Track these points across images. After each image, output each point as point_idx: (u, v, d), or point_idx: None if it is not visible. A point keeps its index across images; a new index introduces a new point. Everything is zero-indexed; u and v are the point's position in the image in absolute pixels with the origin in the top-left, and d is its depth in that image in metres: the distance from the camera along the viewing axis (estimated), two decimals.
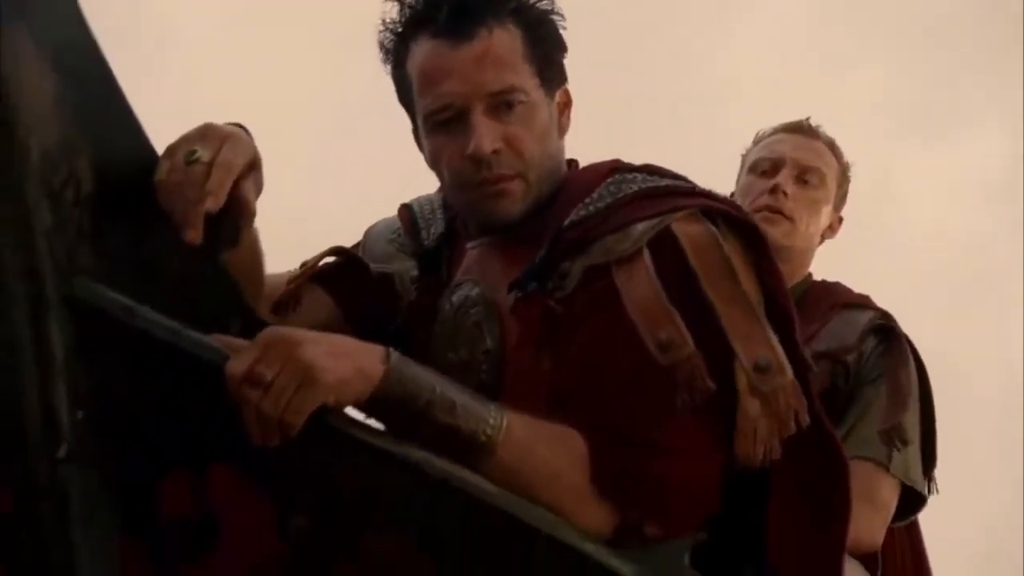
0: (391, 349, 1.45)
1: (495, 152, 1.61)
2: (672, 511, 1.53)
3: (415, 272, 1.79)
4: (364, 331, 1.66)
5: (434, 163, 1.68)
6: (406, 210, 1.86)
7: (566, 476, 1.50)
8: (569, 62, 1.75)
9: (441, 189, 1.76)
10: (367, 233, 1.90)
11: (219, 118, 1.52)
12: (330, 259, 1.84)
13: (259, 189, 1.47)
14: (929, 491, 2.31)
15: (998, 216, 4.42)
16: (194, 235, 1.37)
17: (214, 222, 1.44)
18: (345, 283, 1.82)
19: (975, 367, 4.24)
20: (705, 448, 1.54)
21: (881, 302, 2.40)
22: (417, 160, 1.77)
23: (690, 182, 1.69)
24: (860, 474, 2.14)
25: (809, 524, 1.62)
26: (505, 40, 1.63)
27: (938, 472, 2.33)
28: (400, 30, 1.66)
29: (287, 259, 1.87)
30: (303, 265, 1.83)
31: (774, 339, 1.57)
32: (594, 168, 1.71)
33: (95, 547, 1.30)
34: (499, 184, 1.63)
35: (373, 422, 1.47)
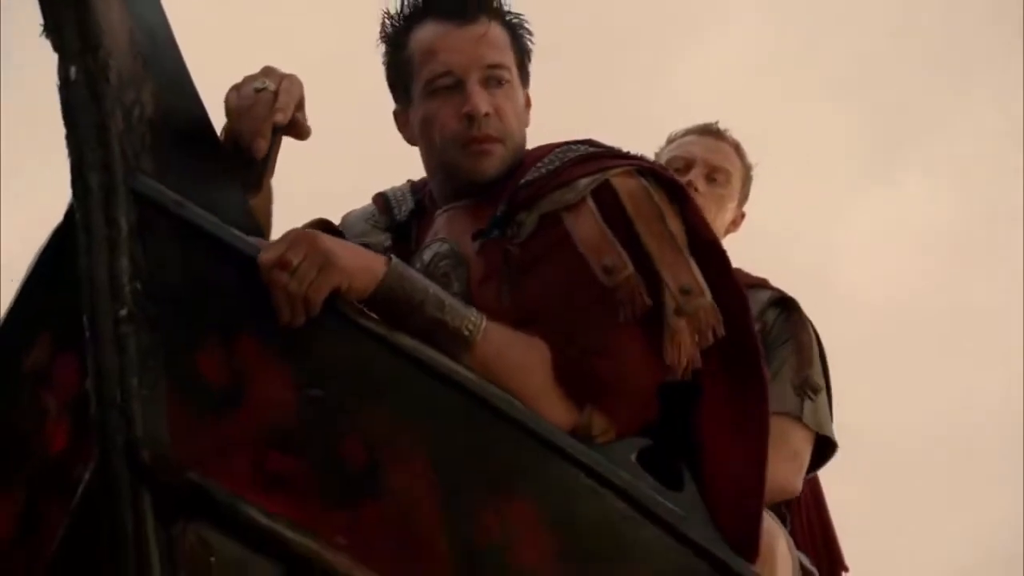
0: (392, 255, 1.77)
1: (486, 115, 1.96)
2: (618, 407, 1.84)
3: (388, 243, 2.11)
4: None
5: (424, 127, 2.01)
6: (380, 196, 2.20)
7: (534, 373, 1.82)
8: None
9: (425, 154, 2.07)
10: (344, 218, 2.22)
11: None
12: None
13: (305, 121, 1.80)
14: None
15: (936, 264, 4.71)
16: (263, 144, 1.70)
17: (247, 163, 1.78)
18: None
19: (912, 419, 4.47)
20: (641, 355, 1.86)
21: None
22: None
23: (624, 150, 2.02)
24: (774, 427, 2.40)
25: (734, 428, 1.92)
26: (498, 31, 2.01)
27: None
28: (407, 14, 2.01)
29: None
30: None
31: (696, 269, 1.90)
32: (542, 147, 2.05)
33: (146, 393, 1.59)
34: (485, 143, 1.97)
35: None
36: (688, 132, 2.77)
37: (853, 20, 4.88)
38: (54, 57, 1.58)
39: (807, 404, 2.50)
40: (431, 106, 1.99)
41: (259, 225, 1.82)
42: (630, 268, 1.84)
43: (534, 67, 2.09)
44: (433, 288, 1.77)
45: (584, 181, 1.91)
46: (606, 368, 1.84)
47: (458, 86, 1.97)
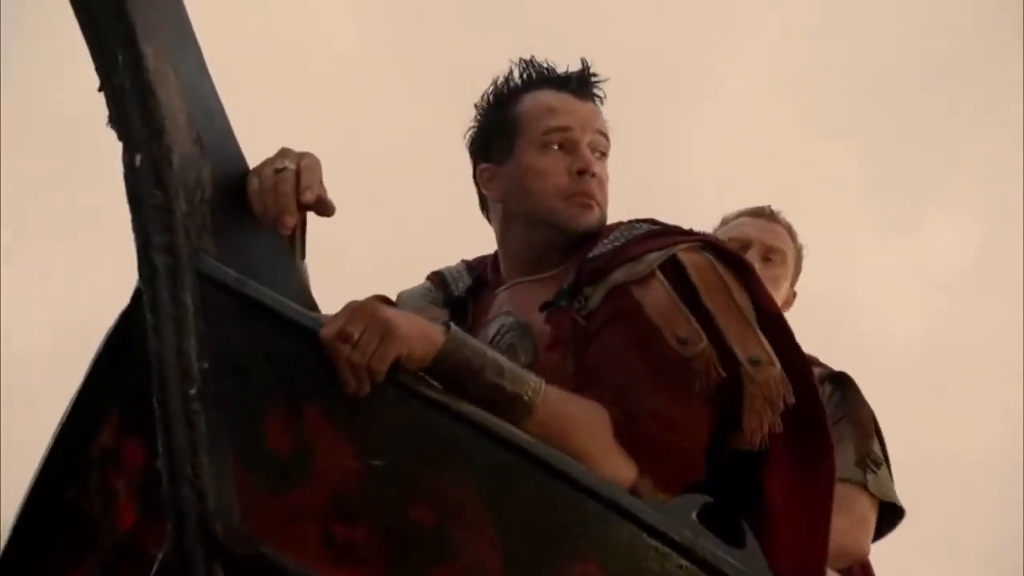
0: (450, 322, 1.80)
1: (593, 175, 2.05)
2: (668, 477, 1.89)
3: (446, 318, 2.13)
4: None
5: (527, 177, 2.06)
6: (435, 273, 2.26)
7: (594, 435, 1.86)
8: None
9: (515, 206, 2.09)
10: (399, 296, 2.26)
11: None
12: None
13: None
14: None
15: (960, 307, 4.71)
16: (290, 220, 1.73)
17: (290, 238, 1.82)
18: None
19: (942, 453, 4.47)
20: (702, 429, 1.91)
21: None
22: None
23: (688, 229, 2.10)
24: (841, 493, 2.43)
25: (798, 491, 1.96)
26: (602, 113, 2.13)
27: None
28: (524, 80, 2.11)
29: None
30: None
31: (763, 339, 1.95)
32: (608, 224, 2.12)
33: (216, 468, 1.62)
34: (591, 198, 2.06)
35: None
36: (741, 214, 2.87)
37: (862, 60, 4.92)
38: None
39: (870, 474, 2.57)
40: (542, 159, 2.06)
41: (314, 300, 1.86)
42: (704, 340, 1.90)
43: None
44: (492, 354, 1.81)
45: (652, 256, 1.97)
46: (665, 434, 1.87)
47: (571, 147, 2.06)
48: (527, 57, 2.12)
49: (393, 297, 2.25)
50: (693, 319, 1.92)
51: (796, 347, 2.00)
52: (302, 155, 1.81)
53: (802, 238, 2.89)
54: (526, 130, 2.08)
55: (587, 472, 1.81)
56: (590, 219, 2.06)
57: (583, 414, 1.85)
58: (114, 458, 1.75)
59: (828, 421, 2.01)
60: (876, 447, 2.62)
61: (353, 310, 1.70)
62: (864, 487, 2.56)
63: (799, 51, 5.06)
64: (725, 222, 2.89)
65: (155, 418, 1.63)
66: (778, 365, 1.93)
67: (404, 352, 1.70)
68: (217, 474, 1.62)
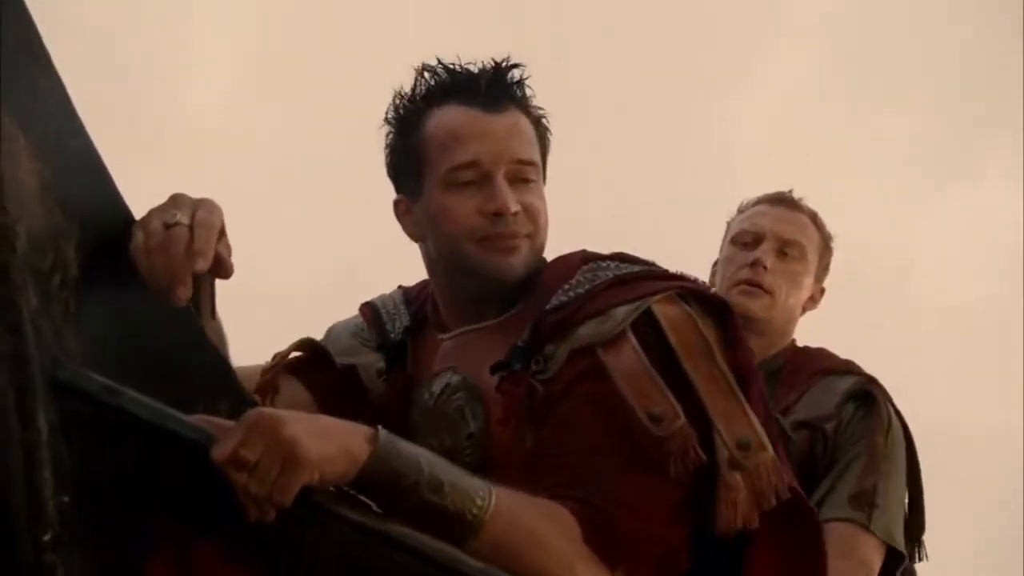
0: (380, 428, 1.47)
1: (515, 213, 1.70)
2: (649, 569, 1.59)
3: (381, 364, 1.84)
4: None
5: (438, 221, 1.73)
6: (368, 307, 1.93)
7: (553, 547, 1.54)
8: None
9: (434, 251, 1.77)
10: (328, 331, 1.95)
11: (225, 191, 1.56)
12: (298, 353, 1.88)
13: (229, 253, 1.49)
14: (918, 557, 2.32)
15: (1007, 279, 4.44)
16: (184, 292, 1.40)
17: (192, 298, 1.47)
18: (316, 374, 1.87)
19: (981, 432, 4.25)
20: (679, 514, 1.62)
21: (888, 366, 2.42)
22: None
23: (660, 267, 1.76)
24: (841, 534, 2.19)
25: (785, 571, 1.66)
26: (526, 124, 1.76)
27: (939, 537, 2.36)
28: (423, 96, 1.74)
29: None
30: (275, 356, 1.88)
31: (753, 416, 1.65)
32: (565, 259, 1.79)
33: None
34: (513, 240, 1.71)
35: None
36: (759, 201, 2.48)
37: (914, 17, 4.56)
38: None
39: (876, 511, 2.24)
40: (449, 199, 1.71)
41: (231, 371, 1.54)
42: (682, 418, 1.58)
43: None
44: (429, 466, 1.47)
45: (622, 310, 1.64)
46: (636, 524, 1.57)
47: (483, 180, 1.70)
48: (431, 63, 1.74)
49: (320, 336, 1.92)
50: (669, 392, 1.60)
51: (770, 417, 1.71)
52: (198, 203, 1.46)
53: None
54: (430, 163, 1.72)
55: None
56: (513, 265, 1.71)
57: (543, 524, 1.53)
58: None
59: (813, 508, 1.75)
60: (882, 484, 2.27)
61: (250, 425, 1.36)
62: (866, 528, 2.24)
63: (852, 9, 4.70)
64: (742, 209, 2.50)
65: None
66: (770, 449, 1.62)
67: (314, 478, 1.38)
68: None
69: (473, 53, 1.78)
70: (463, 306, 1.77)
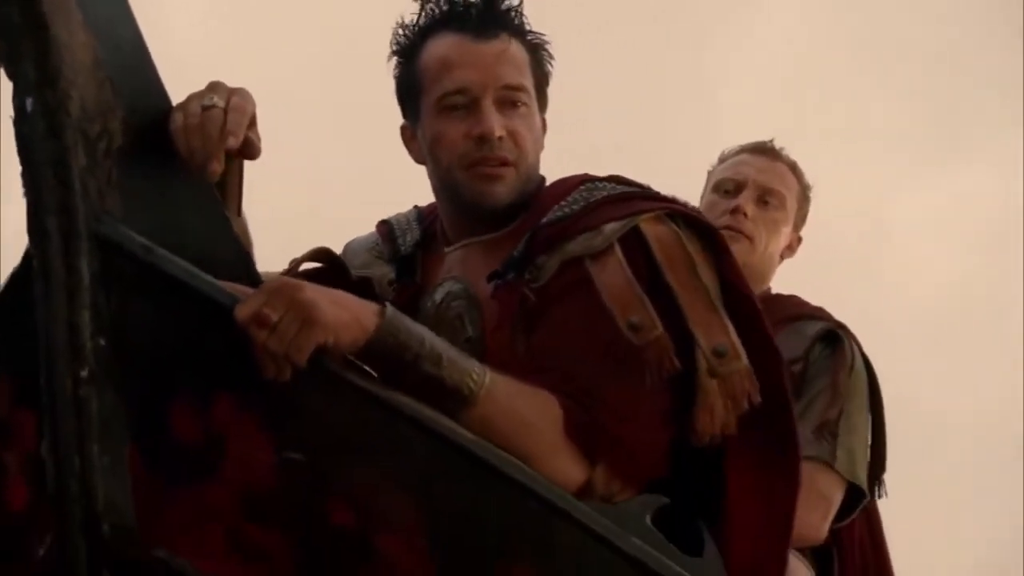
0: (387, 303, 1.60)
1: (499, 138, 1.80)
2: (624, 466, 1.70)
3: (392, 276, 1.96)
4: None
5: (432, 146, 1.85)
6: (383, 223, 2.05)
7: (540, 430, 1.66)
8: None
9: (433, 176, 1.92)
10: (346, 247, 2.07)
11: None
12: (313, 263, 1.99)
13: (258, 138, 1.60)
14: (878, 494, 2.45)
15: (991, 257, 4.53)
16: (217, 167, 1.51)
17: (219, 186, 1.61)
18: (329, 284, 1.98)
19: (961, 408, 4.34)
20: (658, 415, 1.72)
21: (871, 341, 2.52)
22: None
23: (654, 190, 1.87)
24: (803, 470, 2.30)
25: (761, 491, 1.78)
26: (518, 51, 1.86)
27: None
28: (421, 25, 1.85)
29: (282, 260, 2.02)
30: (292, 262, 1.98)
31: (731, 327, 1.75)
32: (565, 180, 1.90)
33: (108, 460, 1.43)
34: (497, 167, 1.81)
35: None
36: (741, 150, 2.60)
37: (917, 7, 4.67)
38: None
39: (840, 448, 2.36)
40: (442, 123, 1.84)
41: (251, 262, 1.66)
42: (659, 328, 1.70)
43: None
44: (431, 341, 1.61)
45: (611, 226, 1.76)
46: (617, 425, 1.69)
47: (471, 105, 1.82)
48: None
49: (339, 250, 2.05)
50: (649, 303, 1.71)
51: (764, 332, 1.80)
52: (233, 91, 1.59)
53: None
54: (426, 91, 1.85)
55: (528, 472, 1.62)
56: (497, 192, 1.82)
57: (531, 408, 1.66)
58: (3, 430, 1.56)
59: (795, 420, 1.83)
60: (844, 420, 2.39)
61: (272, 290, 1.50)
62: (830, 465, 2.36)
63: None
64: (723, 159, 2.61)
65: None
66: (745, 359, 1.74)
67: (329, 340, 1.51)
68: (109, 468, 1.43)
69: None
70: (464, 223, 1.90)
